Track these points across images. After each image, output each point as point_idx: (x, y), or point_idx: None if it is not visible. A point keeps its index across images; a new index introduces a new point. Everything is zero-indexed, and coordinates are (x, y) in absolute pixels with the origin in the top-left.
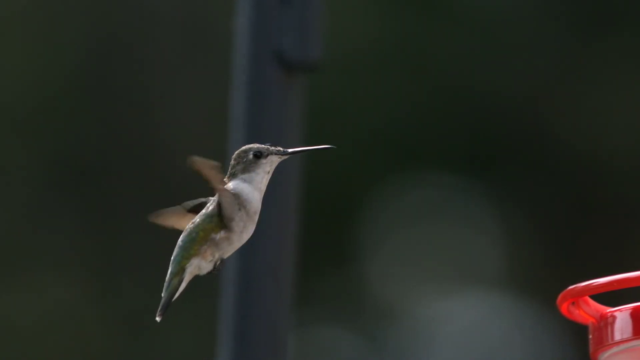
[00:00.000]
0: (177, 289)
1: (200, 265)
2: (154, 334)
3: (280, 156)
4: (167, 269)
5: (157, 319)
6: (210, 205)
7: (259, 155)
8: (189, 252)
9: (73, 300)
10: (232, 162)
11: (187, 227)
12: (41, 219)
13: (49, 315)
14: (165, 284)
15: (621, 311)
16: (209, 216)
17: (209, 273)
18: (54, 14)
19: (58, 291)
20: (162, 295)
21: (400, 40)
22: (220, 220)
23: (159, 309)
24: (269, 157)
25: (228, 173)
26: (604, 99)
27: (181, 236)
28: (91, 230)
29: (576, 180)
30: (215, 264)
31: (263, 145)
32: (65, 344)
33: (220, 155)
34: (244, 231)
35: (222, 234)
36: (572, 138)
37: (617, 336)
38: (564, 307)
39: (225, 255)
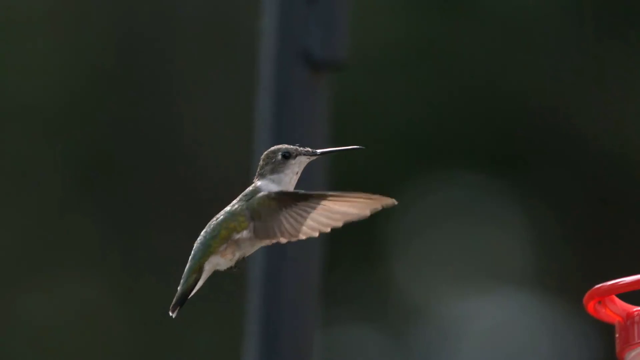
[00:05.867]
0: (193, 287)
1: (219, 263)
2: (181, 334)
3: (309, 157)
4: None
5: (171, 314)
6: (237, 204)
7: (287, 156)
8: (208, 249)
9: (98, 299)
10: (261, 162)
11: (209, 222)
12: (67, 218)
13: (74, 315)
14: (182, 280)
15: None
16: (233, 214)
17: (230, 269)
18: (80, 13)
19: (84, 290)
20: (178, 290)
21: (426, 40)
22: (244, 221)
23: (172, 304)
24: (297, 157)
25: (257, 173)
26: (632, 97)
27: (202, 232)
28: (117, 229)
29: (604, 179)
30: (236, 263)
31: (292, 146)
32: (90, 343)
33: (247, 156)
34: (266, 237)
35: (244, 234)
36: (599, 136)
37: None
38: (591, 306)
39: (247, 255)
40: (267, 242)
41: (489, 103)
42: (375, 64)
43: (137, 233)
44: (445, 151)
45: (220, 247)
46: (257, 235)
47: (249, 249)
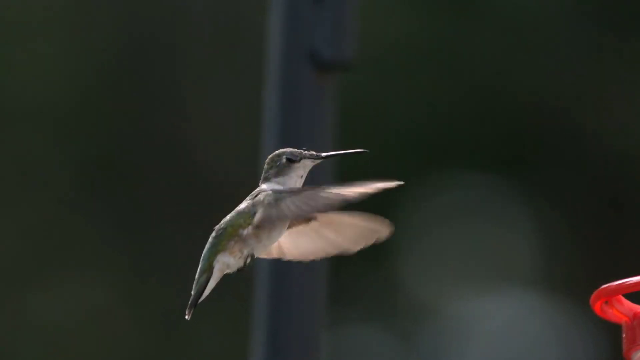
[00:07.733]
0: (205, 287)
1: (228, 261)
2: (187, 333)
3: (313, 160)
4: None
5: (186, 316)
6: (243, 203)
7: (292, 160)
8: (217, 248)
9: (106, 300)
10: (266, 165)
11: (218, 225)
12: (75, 218)
13: (78, 315)
14: (195, 281)
15: None
16: (239, 213)
17: (239, 270)
18: (88, 14)
19: (91, 291)
20: (192, 292)
21: (433, 40)
22: (250, 217)
23: (188, 306)
24: (302, 161)
25: (262, 177)
26: (634, 97)
27: (212, 233)
28: (125, 229)
29: (610, 179)
30: (245, 261)
31: (296, 150)
32: (95, 344)
33: (251, 155)
34: (273, 230)
35: (249, 230)
36: (606, 136)
37: None
38: (597, 306)
39: (255, 253)
40: (275, 239)
41: (494, 103)
42: (379, 64)
43: (140, 233)
44: (450, 151)
45: (228, 245)
46: (262, 225)
47: (257, 246)
